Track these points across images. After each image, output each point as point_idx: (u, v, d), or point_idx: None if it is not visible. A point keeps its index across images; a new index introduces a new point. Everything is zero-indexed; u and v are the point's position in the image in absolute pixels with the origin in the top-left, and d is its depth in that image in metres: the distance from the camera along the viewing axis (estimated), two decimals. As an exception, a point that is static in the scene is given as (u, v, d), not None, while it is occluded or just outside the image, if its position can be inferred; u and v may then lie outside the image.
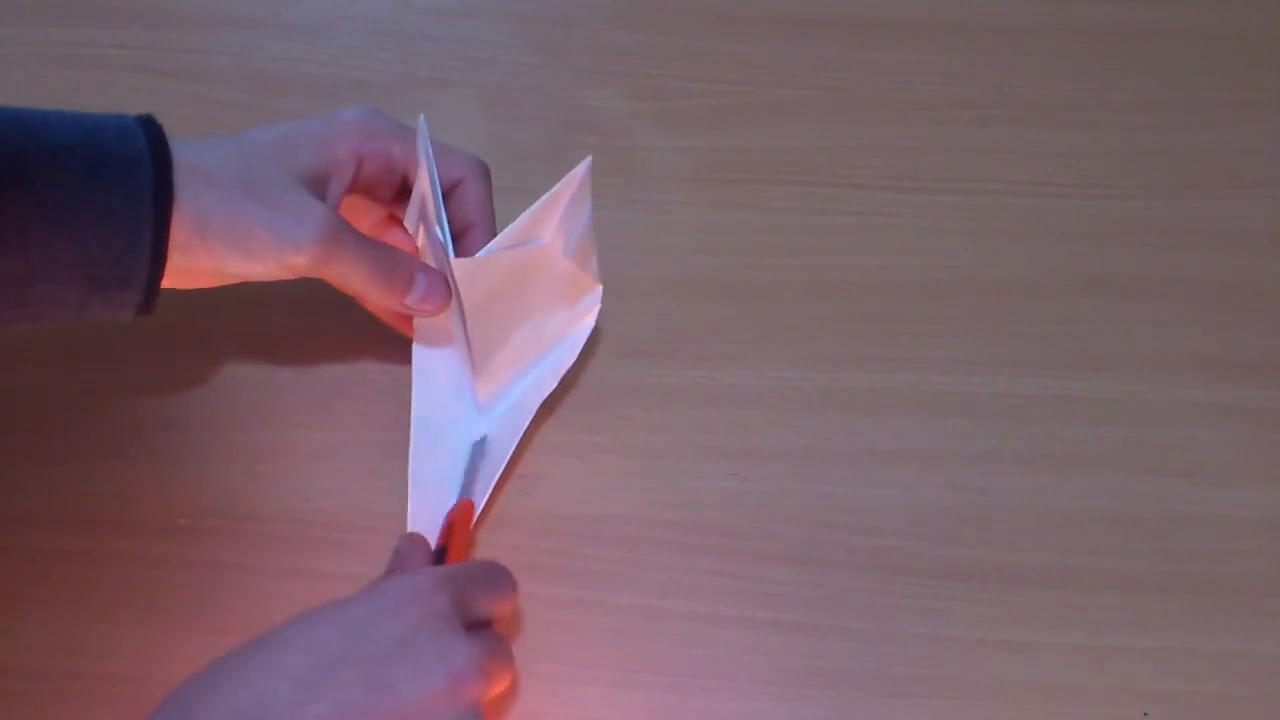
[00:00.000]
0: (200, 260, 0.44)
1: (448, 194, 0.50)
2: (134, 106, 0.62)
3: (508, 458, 0.50)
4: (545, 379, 0.52)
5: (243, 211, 0.44)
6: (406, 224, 0.51)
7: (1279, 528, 0.50)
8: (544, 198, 0.46)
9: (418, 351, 0.52)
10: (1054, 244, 0.59)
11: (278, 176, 0.45)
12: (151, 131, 0.43)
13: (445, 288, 0.48)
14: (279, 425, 0.52)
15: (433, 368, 0.52)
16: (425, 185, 0.48)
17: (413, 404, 0.51)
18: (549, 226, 0.47)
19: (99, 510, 0.50)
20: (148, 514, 0.50)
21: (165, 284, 0.44)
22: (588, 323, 0.52)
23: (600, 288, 0.52)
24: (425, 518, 0.49)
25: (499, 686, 0.42)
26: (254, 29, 0.66)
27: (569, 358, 0.52)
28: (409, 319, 0.51)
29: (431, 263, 0.49)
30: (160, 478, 0.51)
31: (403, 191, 0.50)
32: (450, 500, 0.49)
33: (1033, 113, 0.63)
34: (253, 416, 0.51)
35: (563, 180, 0.46)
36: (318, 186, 0.47)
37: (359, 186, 0.49)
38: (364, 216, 0.51)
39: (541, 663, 0.47)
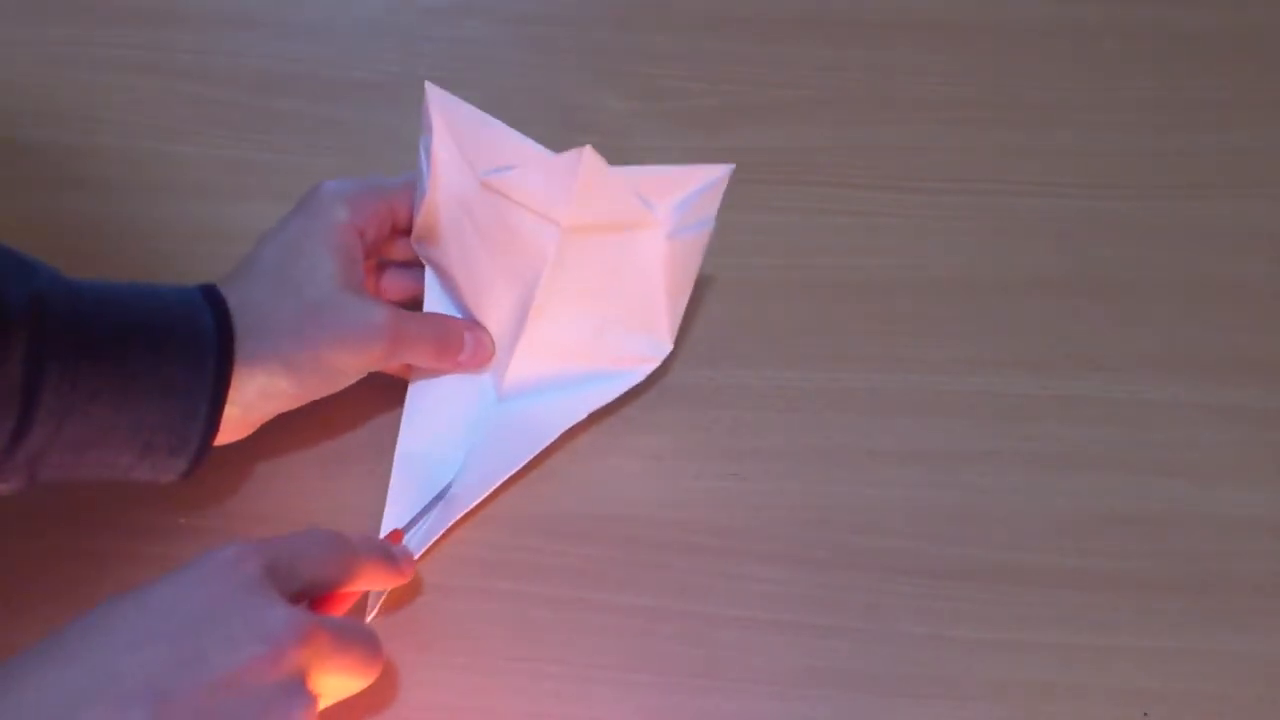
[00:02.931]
0: (280, 389, 0.47)
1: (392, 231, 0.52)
2: (134, 106, 0.62)
3: (511, 471, 0.50)
4: (573, 407, 0.52)
5: (317, 341, 0.47)
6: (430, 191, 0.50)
7: (1279, 528, 0.50)
8: (675, 168, 0.46)
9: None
10: (1054, 244, 0.59)
11: (325, 294, 0.47)
12: (217, 308, 0.45)
13: (489, 343, 0.51)
14: (278, 426, 0.52)
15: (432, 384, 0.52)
16: (448, 150, 0.48)
17: (407, 398, 0.51)
18: (666, 200, 0.47)
19: (99, 510, 0.50)
20: (148, 514, 0.50)
21: (221, 440, 0.46)
22: (640, 370, 0.52)
23: (670, 348, 0.52)
24: (405, 499, 0.50)
25: (343, 667, 0.40)
26: (254, 29, 0.66)
27: (604, 396, 0.52)
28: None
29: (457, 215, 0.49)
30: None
31: (394, 233, 0.52)
32: (434, 483, 0.50)
33: (1033, 113, 0.63)
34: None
35: (700, 167, 0.47)
36: (348, 276, 0.48)
37: (366, 252, 0.51)
38: (368, 275, 0.53)
39: (541, 663, 0.47)
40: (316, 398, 0.49)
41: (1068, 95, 0.64)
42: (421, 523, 0.49)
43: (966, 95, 0.64)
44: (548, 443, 0.51)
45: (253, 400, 0.46)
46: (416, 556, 0.48)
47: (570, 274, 0.48)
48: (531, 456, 0.51)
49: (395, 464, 0.50)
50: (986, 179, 0.61)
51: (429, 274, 0.53)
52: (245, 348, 0.45)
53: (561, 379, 0.52)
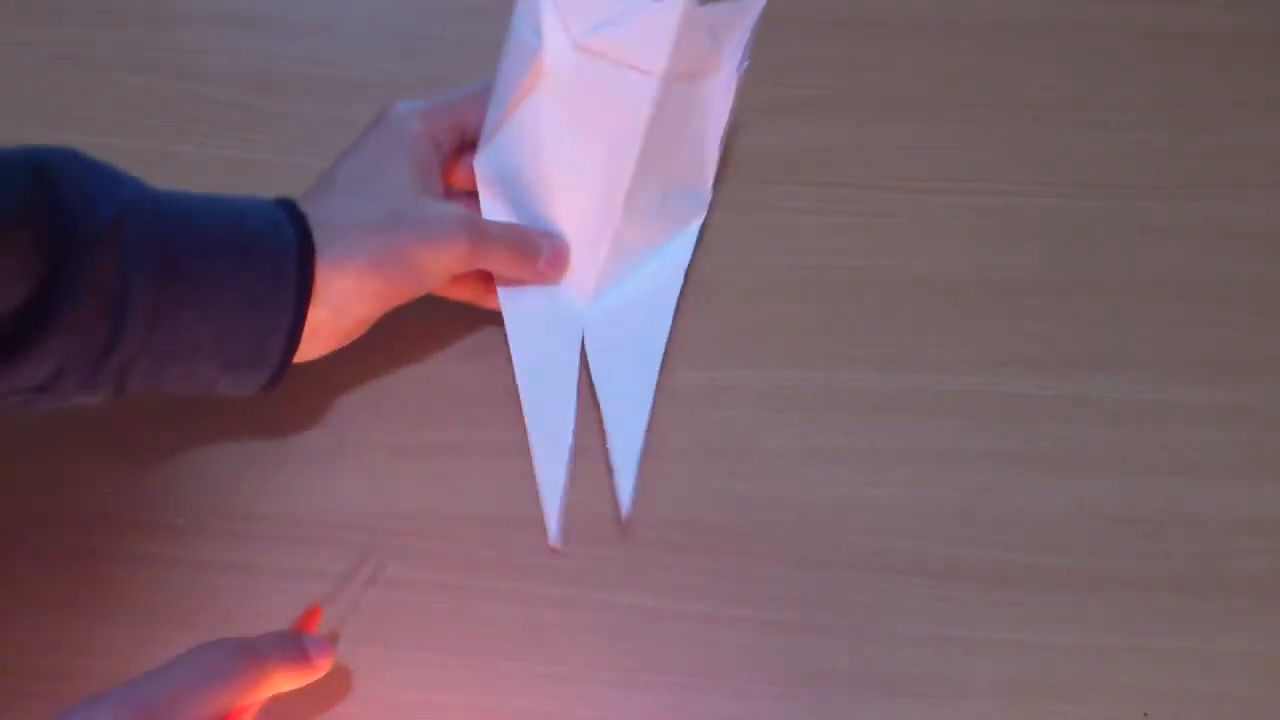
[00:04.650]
0: (367, 292, 0.47)
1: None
2: (133, 106, 0.62)
3: (654, 371, 0.52)
4: (665, 286, 0.54)
5: (402, 240, 0.47)
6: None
7: (1279, 528, 0.51)
8: (728, 3, 0.50)
9: (505, 297, 0.53)
10: (1054, 244, 0.59)
11: (406, 200, 0.48)
12: (297, 220, 0.46)
13: (566, 250, 0.53)
14: (279, 425, 0.52)
15: (523, 307, 0.53)
16: (550, 18, 0.50)
17: (511, 344, 0.52)
18: (732, 36, 0.51)
19: (99, 510, 0.50)
20: (148, 514, 0.50)
21: (314, 351, 0.47)
22: (692, 229, 0.55)
23: (710, 196, 0.56)
24: (547, 452, 0.50)
25: None
26: (254, 29, 0.66)
27: (681, 264, 0.54)
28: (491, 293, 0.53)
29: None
30: (160, 478, 0.51)
31: (460, 151, 0.54)
32: (568, 426, 0.51)
33: (1033, 113, 0.63)
34: (252, 417, 0.51)
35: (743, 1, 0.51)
36: (427, 184, 0.50)
37: (442, 162, 0.52)
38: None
39: (542, 663, 0.47)
40: (403, 301, 0.49)
41: (1067, 95, 0.64)
42: (625, 459, 0.50)
43: (966, 95, 0.64)
44: (665, 334, 0.53)
45: (341, 303, 0.46)
46: (631, 499, 0.49)
47: (660, 130, 0.50)
48: (661, 350, 0.52)
49: (525, 412, 0.51)
50: (986, 179, 0.61)
51: (484, 198, 0.53)
52: (330, 252, 0.46)
53: (634, 265, 0.54)
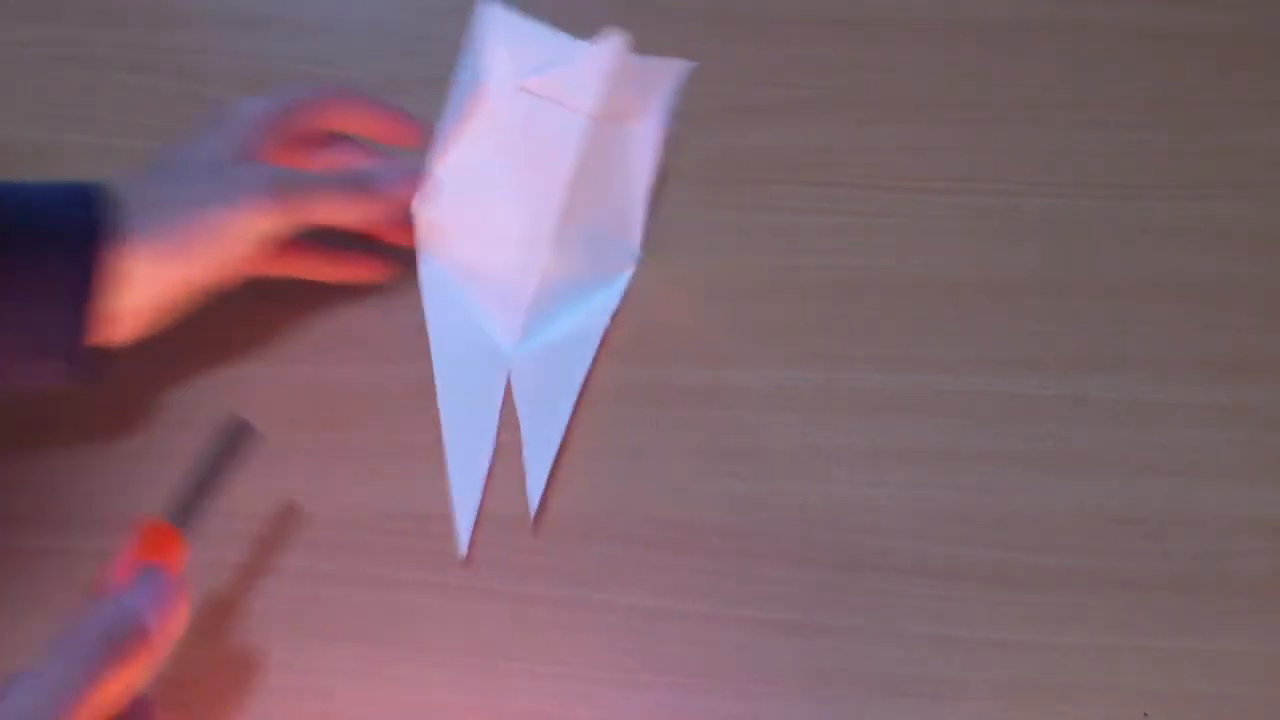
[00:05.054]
0: (170, 271, 0.46)
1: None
2: (133, 106, 0.62)
3: (566, 415, 0.52)
4: (585, 335, 0.54)
5: (207, 209, 0.46)
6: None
7: (1279, 528, 0.50)
8: (653, 59, 0.52)
9: (433, 330, 0.53)
10: (1054, 244, 0.59)
11: (214, 165, 0.48)
12: (99, 203, 0.45)
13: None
14: (277, 425, 0.52)
15: (452, 340, 0.53)
16: (494, 65, 0.51)
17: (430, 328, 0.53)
18: (659, 90, 0.54)
19: (98, 510, 0.50)
20: (147, 514, 0.50)
21: (126, 335, 0.46)
22: (620, 280, 0.56)
23: (639, 254, 0.56)
24: (465, 460, 0.51)
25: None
26: (254, 29, 0.66)
27: (604, 315, 0.55)
28: (404, 230, 0.53)
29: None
30: (159, 478, 0.51)
31: (310, 144, 0.53)
32: (488, 436, 0.51)
33: (1033, 113, 0.63)
34: (251, 416, 0.51)
35: (668, 60, 0.53)
36: (245, 156, 0.49)
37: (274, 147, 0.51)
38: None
39: (542, 663, 0.47)
40: (211, 277, 0.48)
41: (1067, 95, 0.64)
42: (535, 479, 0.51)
43: (967, 95, 0.64)
44: (582, 377, 0.53)
45: (147, 287, 0.45)
46: (533, 515, 0.50)
47: (589, 172, 0.51)
48: (575, 395, 0.52)
49: (446, 438, 0.51)
50: (986, 179, 0.61)
51: (427, 230, 0.53)
52: (129, 231, 0.45)
53: (563, 304, 0.54)
